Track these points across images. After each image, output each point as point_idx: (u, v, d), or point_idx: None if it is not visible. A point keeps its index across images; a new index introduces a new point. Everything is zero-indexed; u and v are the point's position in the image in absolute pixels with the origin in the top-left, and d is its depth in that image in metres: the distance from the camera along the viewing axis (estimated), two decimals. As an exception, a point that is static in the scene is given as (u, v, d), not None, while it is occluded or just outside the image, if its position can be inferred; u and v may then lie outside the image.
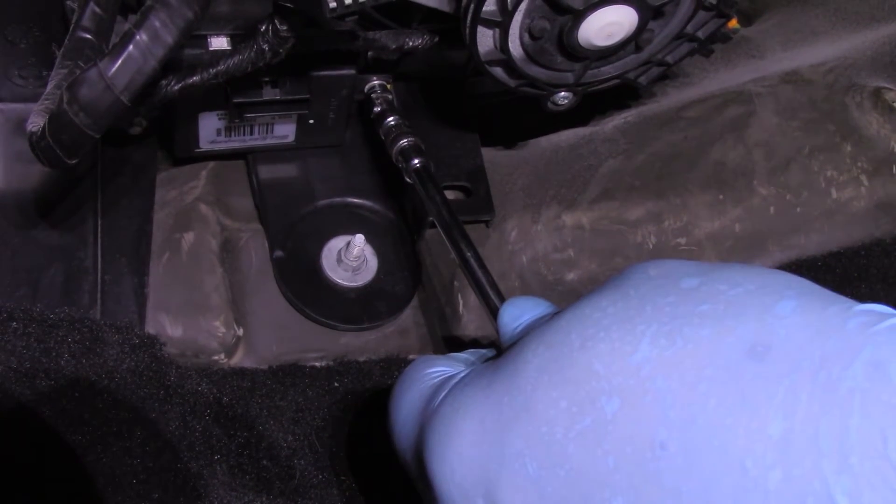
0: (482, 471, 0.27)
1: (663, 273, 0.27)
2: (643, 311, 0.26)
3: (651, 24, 0.45)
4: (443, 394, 0.31)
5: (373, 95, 0.53)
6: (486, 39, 0.44)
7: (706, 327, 0.24)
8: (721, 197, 0.58)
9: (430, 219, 0.55)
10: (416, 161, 0.49)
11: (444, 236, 0.45)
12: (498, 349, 0.35)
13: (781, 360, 0.23)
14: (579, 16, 0.42)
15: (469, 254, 0.43)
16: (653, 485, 0.23)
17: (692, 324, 0.24)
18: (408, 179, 0.50)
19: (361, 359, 0.52)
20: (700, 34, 0.47)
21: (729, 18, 0.47)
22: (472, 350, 0.37)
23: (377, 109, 0.52)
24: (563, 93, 0.49)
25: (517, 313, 0.34)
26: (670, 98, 0.63)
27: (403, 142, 0.50)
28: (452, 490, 0.28)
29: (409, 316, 0.54)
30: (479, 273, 0.42)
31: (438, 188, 0.48)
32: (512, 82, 0.47)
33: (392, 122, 0.51)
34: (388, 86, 0.54)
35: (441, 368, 0.34)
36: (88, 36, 0.40)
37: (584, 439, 0.25)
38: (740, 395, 0.23)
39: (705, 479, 0.23)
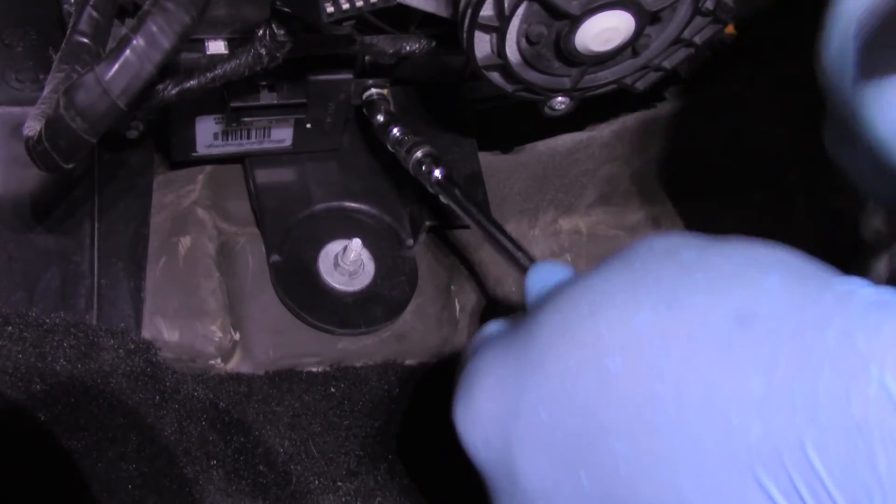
0: (501, 418, 0.30)
1: (667, 246, 0.30)
2: (646, 281, 0.28)
3: (648, 30, 0.45)
4: (476, 349, 0.34)
5: (373, 104, 0.53)
6: (483, 44, 0.44)
7: (700, 296, 0.27)
8: (718, 202, 0.59)
9: (428, 223, 0.55)
10: (436, 172, 0.49)
11: (481, 231, 0.47)
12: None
13: (764, 326, 0.25)
14: (576, 21, 0.42)
15: (496, 231, 0.46)
16: (650, 433, 0.26)
17: (687, 293, 0.27)
18: (431, 190, 0.50)
19: (358, 364, 0.52)
20: (697, 39, 0.47)
21: (726, 24, 0.47)
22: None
23: (380, 119, 0.52)
24: (560, 98, 0.49)
25: (540, 279, 0.37)
26: (667, 103, 0.63)
27: (419, 153, 0.50)
28: (476, 438, 0.31)
29: (407, 321, 0.54)
30: (511, 246, 0.45)
31: (462, 189, 0.49)
32: (509, 87, 0.47)
33: (398, 133, 0.51)
34: (386, 91, 0.54)
35: (496, 324, 0.37)
36: (85, 40, 0.40)
37: (590, 393, 0.28)
38: (727, 357, 0.25)
39: (695, 428, 0.25)
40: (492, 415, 0.31)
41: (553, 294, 0.32)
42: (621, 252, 0.31)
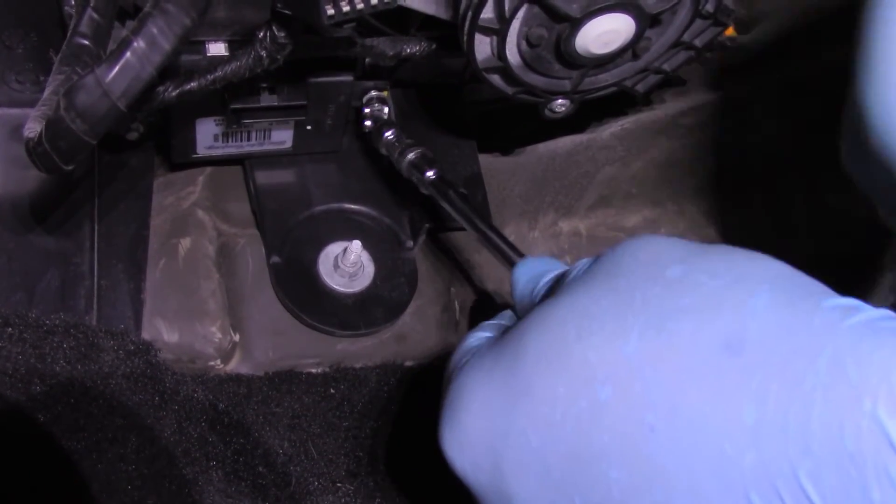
0: (489, 444, 0.30)
1: (652, 258, 0.29)
2: (633, 303, 0.28)
3: (648, 33, 0.45)
4: (461, 367, 0.34)
5: (366, 111, 0.53)
6: (483, 47, 0.44)
7: (687, 321, 0.27)
8: (718, 204, 0.59)
9: (428, 225, 0.55)
10: (429, 173, 0.49)
11: (475, 232, 0.47)
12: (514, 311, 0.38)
13: (754, 354, 0.25)
14: (576, 24, 0.42)
15: (488, 228, 0.46)
16: (644, 461, 0.26)
17: (675, 317, 0.27)
18: (424, 192, 0.50)
19: (358, 365, 0.52)
20: (697, 42, 0.47)
21: (726, 27, 0.47)
22: (506, 313, 0.39)
23: (370, 124, 0.52)
24: (560, 100, 0.49)
25: (528, 275, 0.37)
26: (667, 106, 0.63)
27: (411, 155, 0.50)
28: (465, 461, 0.31)
29: (406, 322, 0.54)
30: (502, 244, 0.45)
31: (457, 191, 0.48)
32: (509, 89, 0.47)
33: (391, 137, 0.51)
34: (385, 93, 0.54)
35: (479, 334, 0.37)
36: (86, 42, 0.40)
37: (581, 420, 0.28)
38: (718, 386, 0.25)
39: (689, 458, 0.25)
40: (480, 439, 0.30)
41: (539, 309, 0.31)
42: (607, 261, 0.31)
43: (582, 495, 0.28)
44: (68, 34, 0.40)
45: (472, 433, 0.31)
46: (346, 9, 0.37)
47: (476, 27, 0.42)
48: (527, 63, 0.45)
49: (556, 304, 0.30)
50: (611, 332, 0.28)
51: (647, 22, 0.43)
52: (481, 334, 0.37)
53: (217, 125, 0.50)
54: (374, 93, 0.53)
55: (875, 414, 0.23)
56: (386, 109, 0.53)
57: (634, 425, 0.26)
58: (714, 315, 0.26)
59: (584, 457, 0.27)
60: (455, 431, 0.31)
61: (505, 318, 0.38)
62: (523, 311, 0.37)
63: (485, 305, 0.57)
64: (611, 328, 0.28)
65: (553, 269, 0.36)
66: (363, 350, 0.53)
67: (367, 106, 0.53)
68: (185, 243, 0.51)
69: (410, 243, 0.56)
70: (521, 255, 0.43)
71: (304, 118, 0.52)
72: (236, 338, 0.51)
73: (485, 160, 0.60)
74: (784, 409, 0.24)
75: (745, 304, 0.26)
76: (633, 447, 0.26)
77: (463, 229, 0.57)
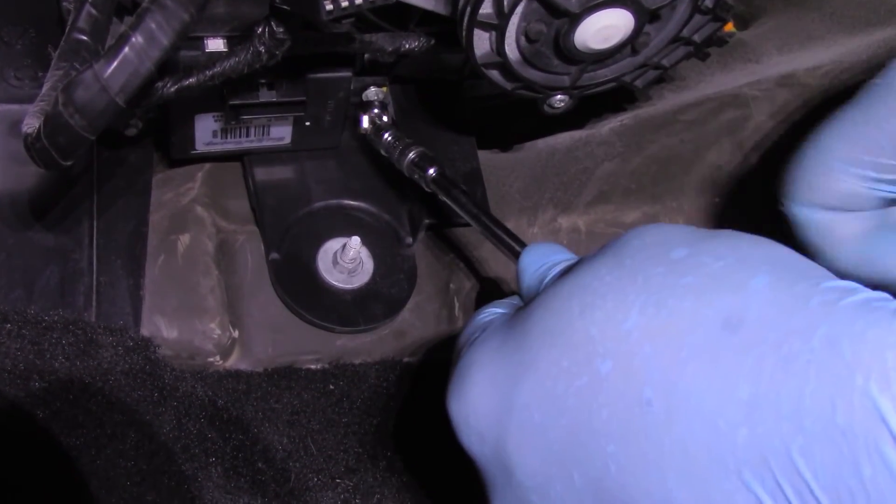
0: (494, 418, 0.31)
1: (658, 241, 0.30)
2: (635, 281, 0.28)
3: (647, 28, 0.45)
4: (471, 342, 0.34)
5: (362, 111, 0.53)
6: (482, 42, 0.44)
7: (688, 299, 0.27)
8: (717, 200, 0.59)
9: (427, 221, 0.55)
10: (431, 171, 0.49)
11: (479, 226, 0.47)
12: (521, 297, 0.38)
13: (751, 332, 0.25)
14: (575, 19, 0.42)
15: (491, 222, 0.46)
16: (641, 436, 0.27)
17: (676, 295, 0.27)
18: (427, 189, 0.50)
19: (357, 361, 0.52)
20: (696, 38, 0.47)
21: (725, 22, 0.47)
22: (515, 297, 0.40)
23: (368, 126, 0.52)
24: (559, 96, 0.49)
25: (534, 261, 0.37)
26: (666, 101, 0.63)
27: (412, 155, 0.50)
28: (470, 433, 0.32)
29: (405, 318, 0.54)
30: (506, 237, 0.45)
31: (460, 188, 0.48)
32: (508, 85, 0.47)
33: (390, 138, 0.51)
34: (385, 90, 0.54)
35: (491, 310, 0.37)
36: (84, 37, 0.40)
37: (582, 394, 0.28)
38: (715, 363, 0.26)
39: (684, 433, 0.26)
40: (485, 412, 0.31)
41: (546, 289, 0.32)
42: (615, 243, 0.31)
43: (580, 469, 0.28)
44: (66, 30, 0.40)
45: (479, 405, 0.31)
46: (344, 4, 0.37)
47: (475, 22, 0.42)
48: (526, 58, 0.45)
49: (562, 282, 0.31)
50: (612, 308, 0.28)
51: (646, 17, 0.43)
52: (494, 310, 0.37)
53: (216, 121, 0.50)
54: (373, 88, 0.53)
55: (867, 390, 0.23)
56: (376, 111, 0.53)
57: (632, 400, 0.27)
58: (714, 294, 0.27)
59: (583, 431, 0.28)
60: (462, 404, 0.32)
61: (517, 298, 0.39)
62: (530, 299, 0.37)
63: (484, 301, 0.57)
64: (612, 304, 0.28)
65: (558, 257, 0.37)
66: (362, 346, 0.53)
67: (364, 110, 0.53)
68: (184, 240, 0.51)
69: (409, 240, 0.55)
70: (525, 245, 0.43)
71: (302, 114, 0.52)
72: (235, 334, 0.51)
73: (484, 156, 0.60)
74: (778, 385, 0.24)
75: (745, 284, 0.26)
76: (631, 422, 0.27)
77: (462, 225, 0.57)
